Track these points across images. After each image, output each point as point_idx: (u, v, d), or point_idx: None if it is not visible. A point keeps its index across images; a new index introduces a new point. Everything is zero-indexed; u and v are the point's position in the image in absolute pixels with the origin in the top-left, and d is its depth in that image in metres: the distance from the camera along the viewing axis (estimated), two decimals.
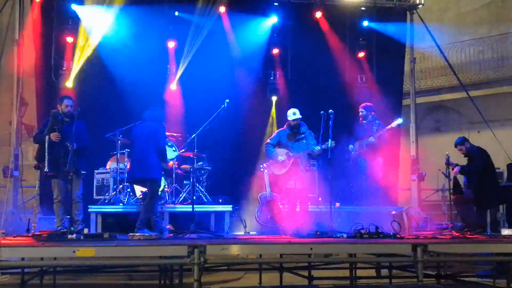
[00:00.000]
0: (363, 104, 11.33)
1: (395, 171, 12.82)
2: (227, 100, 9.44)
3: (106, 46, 11.67)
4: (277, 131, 10.12)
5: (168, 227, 9.85)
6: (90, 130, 9.23)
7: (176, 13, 12.26)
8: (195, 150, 10.41)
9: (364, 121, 11.09)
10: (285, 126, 9.97)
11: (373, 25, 13.01)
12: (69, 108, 8.83)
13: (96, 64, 11.65)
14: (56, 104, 9.10)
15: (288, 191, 9.48)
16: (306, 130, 9.72)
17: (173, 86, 12.27)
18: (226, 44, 12.36)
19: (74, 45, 11.63)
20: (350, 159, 10.97)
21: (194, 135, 10.13)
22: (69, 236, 7.76)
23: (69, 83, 11.48)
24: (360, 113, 11.18)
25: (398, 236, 8.57)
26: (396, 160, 12.94)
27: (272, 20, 12.66)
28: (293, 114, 9.74)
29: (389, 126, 10.81)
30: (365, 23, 12.98)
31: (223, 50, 12.27)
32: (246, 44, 12.45)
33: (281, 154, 9.67)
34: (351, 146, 10.83)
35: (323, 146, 9.40)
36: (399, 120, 10.87)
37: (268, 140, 9.91)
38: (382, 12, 13.08)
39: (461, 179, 10.60)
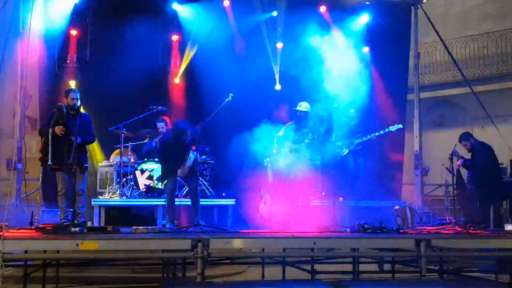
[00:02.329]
0: None
1: (399, 167, 12.89)
2: (231, 94, 9.42)
3: (111, 39, 11.68)
4: (287, 124, 10.12)
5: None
6: (94, 123, 9.23)
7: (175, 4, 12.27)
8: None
9: (352, 122, 11.28)
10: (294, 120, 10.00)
11: (378, 19, 12.98)
12: (75, 101, 8.82)
13: (101, 56, 11.66)
14: (61, 97, 9.10)
15: (290, 184, 9.46)
16: (315, 124, 9.72)
17: (177, 79, 12.27)
18: (231, 37, 12.34)
19: (78, 37, 11.64)
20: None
21: (198, 128, 10.11)
22: (73, 229, 7.77)
23: (72, 77, 11.49)
24: (351, 114, 11.33)
25: (401, 231, 8.57)
26: (400, 155, 13.01)
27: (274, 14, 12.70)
28: (298, 106, 9.78)
29: (387, 129, 11.03)
30: (369, 18, 12.95)
31: (228, 43, 12.25)
32: (250, 38, 12.43)
33: (285, 146, 9.67)
34: (338, 143, 10.84)
35: (309, 138, 9.51)
36: (399, 126, 11.04)
37: (280, 133, 9.93)
38: (386, 7, 13.03)
39: (464, 174, 10.60)
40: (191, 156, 9.24)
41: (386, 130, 11.11)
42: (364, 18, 12.97)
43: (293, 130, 9.78)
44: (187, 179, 9.60)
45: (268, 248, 7.84)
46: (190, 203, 9.42)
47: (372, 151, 11.56)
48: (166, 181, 9.62)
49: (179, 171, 9.35)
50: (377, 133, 11.16)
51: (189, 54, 12.36)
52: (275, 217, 9.74)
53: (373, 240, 7.63)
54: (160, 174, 10.46)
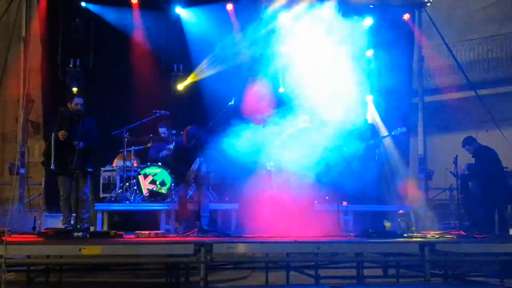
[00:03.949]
0: None
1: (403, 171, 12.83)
2: (234, 98, 9.43)
3: (114, 44, 11.68)
4: (285, 133, 10.10)
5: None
6: (97, 127, 9.23)
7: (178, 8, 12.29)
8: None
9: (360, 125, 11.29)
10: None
11: (381, 23, 12.93)
12: (79, 106, 8.85)
13: (104, 61, 11.66)
14: (64, 101, 9.11)
15: (294, 188, 9.46)
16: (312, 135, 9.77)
17: (180, 86, 12.27)
18: (234, 41, 12.32)
19: (81, 42, 11.65)
20: None
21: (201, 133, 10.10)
22: (75, 234, 7.75)
23: (75, 81, 11.49)
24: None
25: (405, 235, 8.53)
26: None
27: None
28: (303, 121, 9.80)
29: (391, 133, 11.09)
30: (373, 21, 12.90)
31: (231, 47, 12.24)
32: (255, 41, 12.39)
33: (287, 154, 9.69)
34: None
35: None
36: (402, 129, 11.07)
37: (277, 142, 9.93)
38: (390, 10, 12.98)
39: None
40: (197, 161, 9.34)
41: (390, 134, 11.17)
42: (367, 21, 12.92)
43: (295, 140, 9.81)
44: (196, 184, 9.72)
45: (272, 253, 7.81)
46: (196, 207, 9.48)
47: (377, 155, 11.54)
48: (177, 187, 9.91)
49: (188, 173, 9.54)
50: (381, 138, 11.23)
51: (192, 58, 12.35)
52: (278, 222, 9.70)
53: (377, 245, 7.59)
54: (170, 179, 10.55)
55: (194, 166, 9.52)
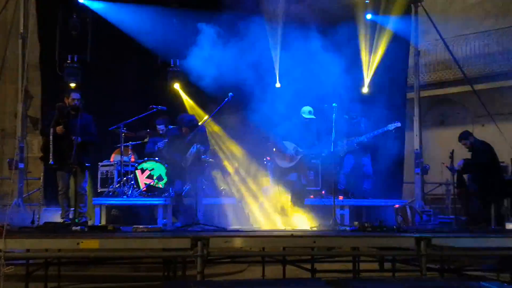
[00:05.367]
0: None
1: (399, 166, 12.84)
2: (231, 93, 9.45)
3: (111, 40, 11.70)
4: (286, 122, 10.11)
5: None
6: (95, 122, 9.27)
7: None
8: None
9: (352, 120, 11.27)
10: (294, 119, 9.95)
11: (377, 18, 12.95)
12: (76, 101, 8.90)
13: (101, 57, 11.68)
14: (63, 97, 9.15)
15: (291, 185, 9.50)
16: (317, 127, 9.77)
17: (177, 82, 12.29)
18: (231, 36, 12.33)
19: (78, 38, 11.65)
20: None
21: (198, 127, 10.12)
22: (73, 228, 7.80)
23: (73, 77, 11.50)
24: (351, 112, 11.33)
25: (401, 229, 8.58)
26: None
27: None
28: (308, 112, 9.77)
29: (385, 129, 11.02)
30: (369, 16, 12.92)
31: (228, 41, 12.25)
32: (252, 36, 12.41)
33: (289, 147, 9.66)
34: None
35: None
36: (397, 124, 11.01)
37: (277, 130, 9.90)
38: (386, 5, 12.99)
39: None
40: (194, 146, 9.32)
41: (385, 129, 11.12)
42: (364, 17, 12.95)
43: (298, 131, 9.79)
44: (189, 177, 9.68)
45: (268, 247, 7.85)
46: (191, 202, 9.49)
47: (372, 149, 11.56)
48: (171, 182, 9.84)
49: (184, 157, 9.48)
50: (375, 133, 11.17)
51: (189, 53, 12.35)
52: (275, 216, 9.76)
53: (373, 239, 7.63)
54: (164, 174, 10.57)
55: (192, 150, 9.44)
